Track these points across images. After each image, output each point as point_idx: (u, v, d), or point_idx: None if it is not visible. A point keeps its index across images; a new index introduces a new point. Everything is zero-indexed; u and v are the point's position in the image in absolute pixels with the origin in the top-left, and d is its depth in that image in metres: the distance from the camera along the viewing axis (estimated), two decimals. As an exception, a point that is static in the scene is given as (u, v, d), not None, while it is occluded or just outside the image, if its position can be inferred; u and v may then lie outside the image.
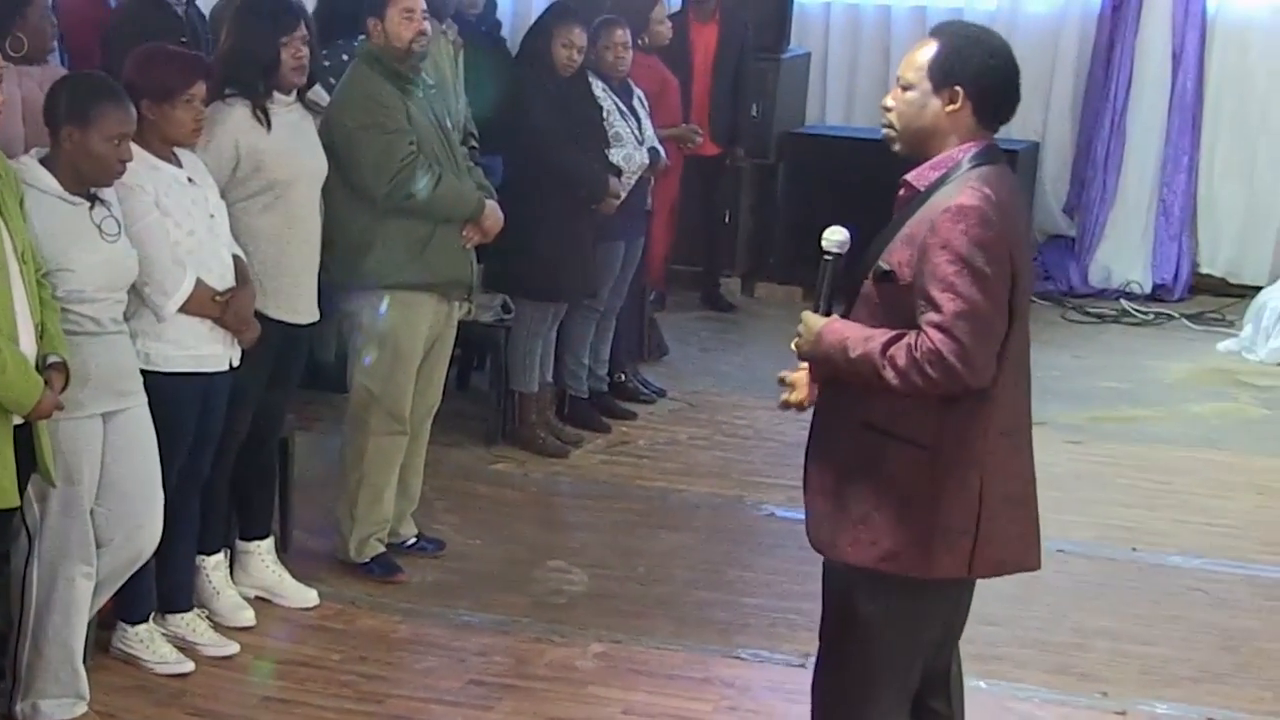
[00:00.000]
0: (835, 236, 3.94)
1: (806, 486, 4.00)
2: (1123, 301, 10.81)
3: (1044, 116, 11.13)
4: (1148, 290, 10.95)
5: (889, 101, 3.91)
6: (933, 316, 3.65)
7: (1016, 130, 10.91)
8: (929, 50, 3.84)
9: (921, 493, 3.78)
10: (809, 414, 4.05)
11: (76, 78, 4.96)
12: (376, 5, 5.98)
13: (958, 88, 3.80)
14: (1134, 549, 6.74)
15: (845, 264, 3.94)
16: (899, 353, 3.67)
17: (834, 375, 3.86)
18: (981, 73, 3.81)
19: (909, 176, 3.88)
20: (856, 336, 3.76)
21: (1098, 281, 11.06)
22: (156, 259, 5.01)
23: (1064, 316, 10.53)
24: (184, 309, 5.09)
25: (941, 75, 3.81)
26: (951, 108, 3.81)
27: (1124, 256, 11.03)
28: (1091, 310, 10.69)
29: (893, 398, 3.72)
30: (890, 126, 3.90)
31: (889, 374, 3.68)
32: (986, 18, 10.74)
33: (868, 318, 3.82)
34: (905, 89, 3.86)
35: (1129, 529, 6.94)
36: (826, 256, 3.94)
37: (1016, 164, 10.01)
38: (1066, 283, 11.03)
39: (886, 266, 3.77)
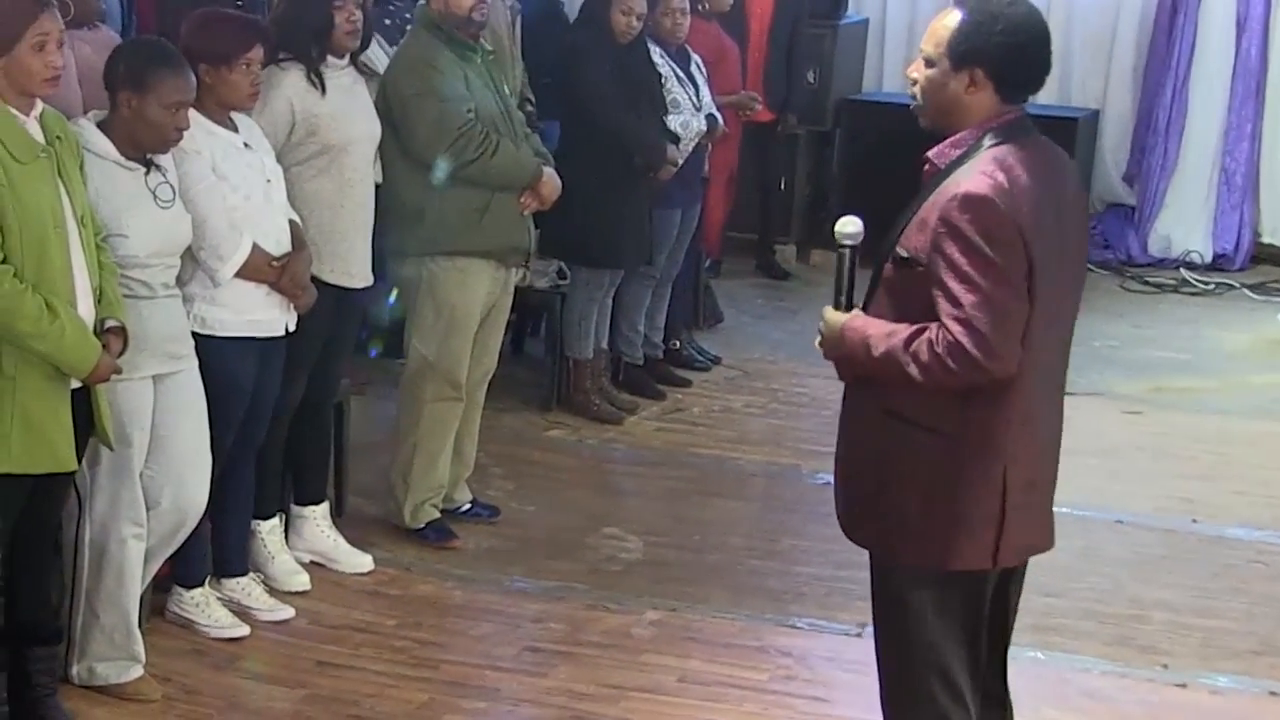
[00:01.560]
0: (848, 228, 3.82)
1: (835, 471, 3.93)
2: (1183, 271, 10.70)
3: (1104, 84, 11.02)
4: (1208, 260, 10.83)
5: (913, 74, 3.78)
6: (950, 309, 3.55)
7: (1076, 98, 10.84)
8: (950, 22, 3.69)
9: (943, 483, 3.69)
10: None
11: (136, 43, 4.96)
12: None
13: (977, 69, 3.65)
14: (1193, 520, 6.67)
15: (864, 250, 3.83)
16: (921, 348, 3.58)
17: (860, 374, 3.77)
18: (1000, 52, 3.65)
19: (931, 154, 3.75)
20: (878, 333, 3.66)
21: (1157, 251, 10.95)
22: (213, 224, 5.00)
23: (1123, 286, 10.44)
24: (240, 274, 5.08)
25: (959, 56, 3.66)
26: (971, 88, 3.67)
27: (1184, 225, 10.92)
28: (1151, 280, 10.59)
29: (914, 387, 3.63)
30: (915, 99, 3.78)
31: (913, 370, 3.59)
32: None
33: (888, 302, 3.73)
34: (927, 64, 3.72)
35: (1188, 500, 6.87)
36: (842, 249, 3.82)
37: (1076, 132, 9.92)
38: (1125, 252, 10.93)
39: (905, 253, 3.66)
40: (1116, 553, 6.24)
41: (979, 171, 3.60)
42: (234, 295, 5.11)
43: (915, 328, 3.61)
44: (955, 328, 3.54)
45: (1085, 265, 3.96)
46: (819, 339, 3.83)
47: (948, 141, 3.73)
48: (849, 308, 3.80)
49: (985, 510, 3.70)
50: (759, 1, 9.49)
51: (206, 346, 5.00)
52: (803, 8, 9.75)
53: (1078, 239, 3.87)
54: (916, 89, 3.77)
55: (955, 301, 3.55)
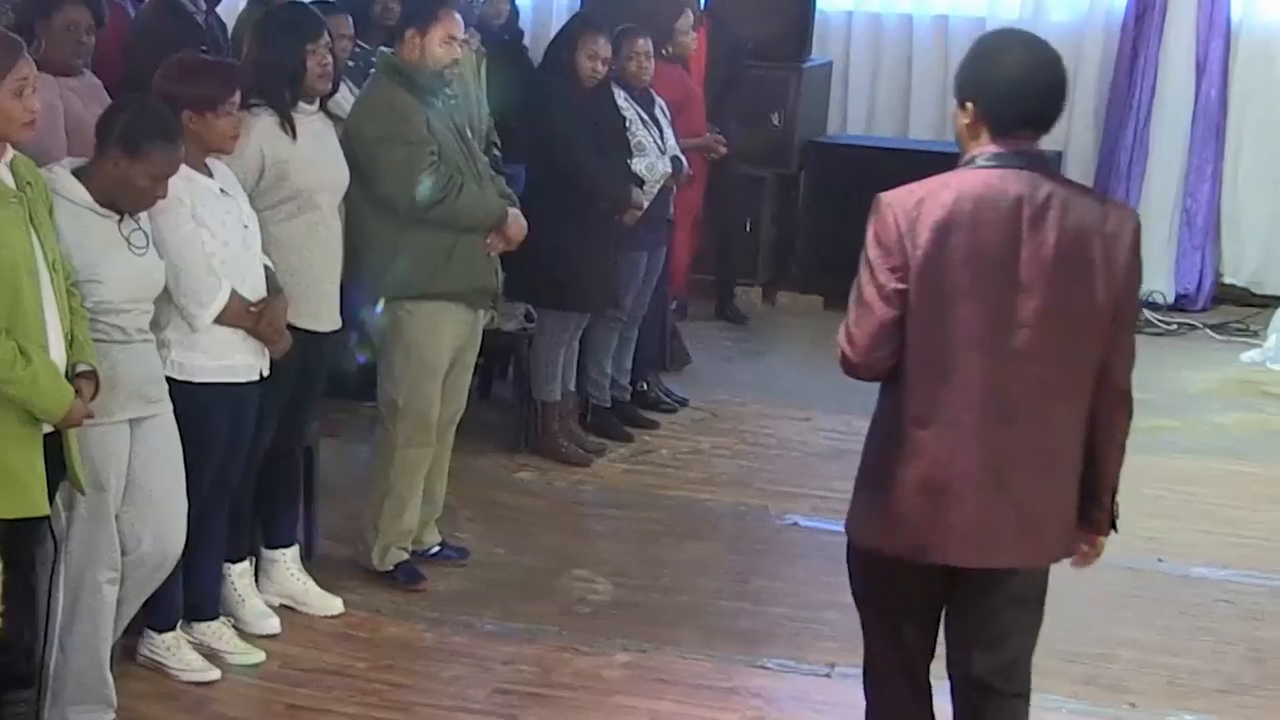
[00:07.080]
0: None
1: None
2: (1145, 311, 10.71)
3: (1067, 126, 11.03)
4: (1171, 300, 10.88)
5: None
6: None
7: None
8: None
9: (864, 464, 4.02)
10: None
11: (140, 106, 4.87)
12: (422, 19, 5.98)
13: (968, 103, 3.88)
14: (1159, 560, 6.71)
15: None
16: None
17: None
18: (987, 87, 3.86)
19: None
20: None
21: (1120, 291, 10.99)
22: (192, 270, 5.02)
23: (1086, 326, 10.46)
24: (219, 319, 5.10)
25: (958, 89, 3.92)
26: (966, 120, 3.89)
27: (1147, 266, 10.63)
28: (1113, 320, 10.61)
29: None
30: None
31: None
32: (1007, 26, 10.71)
33: None
34: None
35: (1154, 540, 6.88)
36: None
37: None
38: (1088, 292, 10.96)
39: None
40: (1083, 591, 6.19)
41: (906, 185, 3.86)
42: (211, 341, 5.13)
43: None
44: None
45: (1083, 308, 4.03)
46: None
47: None
48: None
49: (880, 496, 3.93)
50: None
51: (183, 392, 5.00)
52: (740, 47, 9.64)
53: (1062, 277, 3.91)
54: None
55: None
